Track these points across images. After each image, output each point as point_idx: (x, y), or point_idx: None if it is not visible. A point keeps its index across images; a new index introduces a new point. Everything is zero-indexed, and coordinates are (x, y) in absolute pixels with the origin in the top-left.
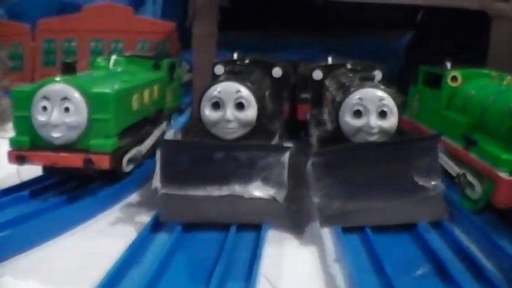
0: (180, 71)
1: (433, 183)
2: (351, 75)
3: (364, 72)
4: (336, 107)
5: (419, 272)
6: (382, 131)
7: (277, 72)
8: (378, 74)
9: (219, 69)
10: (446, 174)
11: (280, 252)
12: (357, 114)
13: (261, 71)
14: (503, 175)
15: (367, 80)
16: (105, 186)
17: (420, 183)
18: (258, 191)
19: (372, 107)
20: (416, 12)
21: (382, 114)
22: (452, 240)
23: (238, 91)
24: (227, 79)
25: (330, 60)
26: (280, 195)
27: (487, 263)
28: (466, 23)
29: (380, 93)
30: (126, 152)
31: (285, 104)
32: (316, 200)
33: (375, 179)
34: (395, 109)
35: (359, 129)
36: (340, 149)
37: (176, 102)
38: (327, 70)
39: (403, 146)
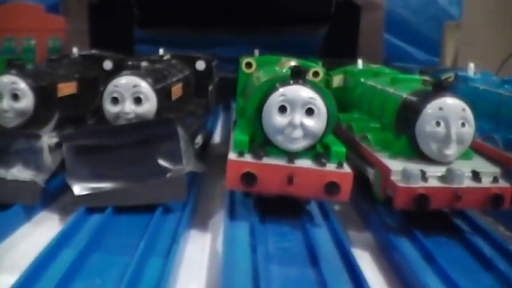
0: None
1: (174, 166)
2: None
3: (182, 61)
4: (100, 95)
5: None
6: (139, 117)
7: (107, 65)
8: (200, 64)
9: None
10: None
11: (33, 230)
12: (114, 101)
13: (87, 65)
14: (232, 156)
15: (132, 69)
16: None
17: (162, 165)
18: (19, 173)
19: (127, 94)
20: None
21: (137, 101)
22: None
23: (14, 83)
24: (6, 72)
25: (161, 51)
26: (40, 178)
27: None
28: None
29: (136, 81)
30: None
31: None
32: (69, 180)
33: (121, 161)
34: (151, 95)
35: (117, 115)
36: (83, 132)
37: None
38: (153, 63)
39: (141, 130)
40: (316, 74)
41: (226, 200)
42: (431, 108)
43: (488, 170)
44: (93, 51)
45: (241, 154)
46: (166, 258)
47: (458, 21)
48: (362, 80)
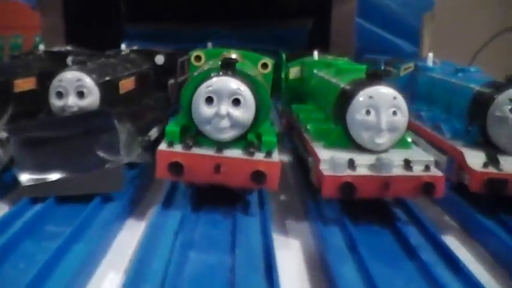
0: None
1: (112, 157)
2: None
3: (142, 56)
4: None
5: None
6: (82, 110)
7: (70, 61)
8: (159, 59)
9: None
10: None
11: None
12: (59, 95)
13: (52, 61)
14: (162, 146)
15: (78, 64)
16: None
17: (101, 157)
18: None
19: (70, 88)
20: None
21: (81, 95)
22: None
23: None
24: None
25: (123, 47)
26: None
27: None
28: None
29: (79, 75)
30: None
31: None
32: (16, 172)
33: (64, 152)
34: (94, 89)
35: (62, 109)
36: (28, 124)
37: None
38: (109, 57)
39: (81, 122)
40: (265, 65)
41: (165, 189)
42: (361, 96)
43: (421, 158)
44: (68, 48)
45: (171, 144)
46: (90, 245)
47: (432, 11)
48: (315, 71)
